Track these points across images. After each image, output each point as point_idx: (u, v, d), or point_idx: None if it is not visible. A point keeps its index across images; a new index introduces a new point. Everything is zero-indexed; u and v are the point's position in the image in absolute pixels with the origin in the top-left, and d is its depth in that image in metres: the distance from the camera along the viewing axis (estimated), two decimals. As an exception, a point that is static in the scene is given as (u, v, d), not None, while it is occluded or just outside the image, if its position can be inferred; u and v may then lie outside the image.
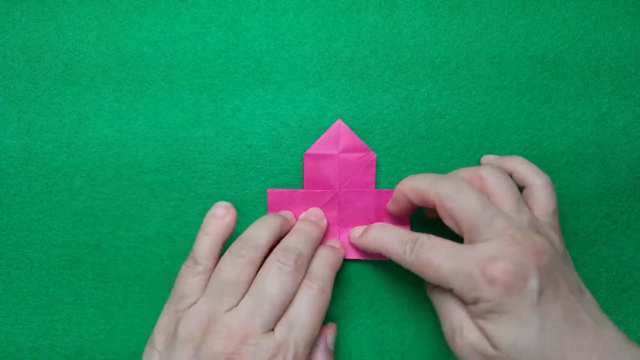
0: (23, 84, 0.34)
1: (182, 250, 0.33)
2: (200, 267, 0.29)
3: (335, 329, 0.32)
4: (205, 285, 0.28)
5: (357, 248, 0.33)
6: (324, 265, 0.30)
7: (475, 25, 0.34)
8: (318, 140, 0.33)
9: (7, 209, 0.34)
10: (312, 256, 0.30)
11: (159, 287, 0.33)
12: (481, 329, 0.26)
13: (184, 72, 0.34)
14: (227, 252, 0.29)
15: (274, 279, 0.27)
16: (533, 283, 0.24)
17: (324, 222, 0.33)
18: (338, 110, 0.34)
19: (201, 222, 0.33)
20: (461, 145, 0.34)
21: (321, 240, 0.32)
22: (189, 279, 0.28)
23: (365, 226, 0.33)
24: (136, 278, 0.33)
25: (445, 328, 0.28)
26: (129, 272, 0.33)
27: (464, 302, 0.26)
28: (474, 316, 0.26)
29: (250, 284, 0.28)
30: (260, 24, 0.34)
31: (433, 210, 0.32)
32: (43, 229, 0.34)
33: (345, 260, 0.34)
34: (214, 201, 0.33)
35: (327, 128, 0.34)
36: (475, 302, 0.25)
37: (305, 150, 0.34)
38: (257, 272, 0.28)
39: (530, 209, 0.29)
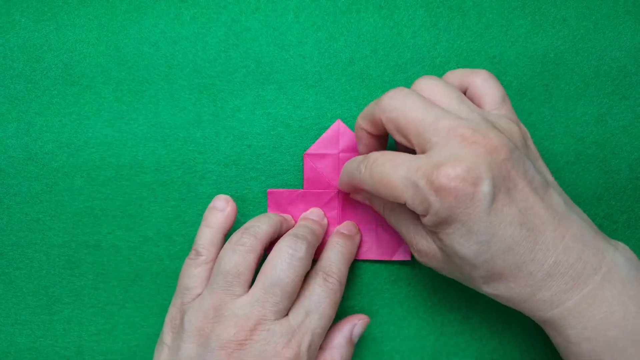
0: (23, 84, 0.34)
1: (182, 250, 0.33)
2: (202, 258, 0.29)
3: (366, 323, 0.31)
4: (209, 277, 0.28)
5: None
6: (337, 257, 0.30)
7: (475, 25, 0.34)
8: (318, 140, 0.33)
9: (7, 209, 0.34)
10: (319, 242, 0.30)
11: (159, 287, 0.33)
12: (433, 240, 0.26)
13: (184, 72, 0.34)
14: (227, 241, 0.28)
15: (285, 264, 0.27)
16: (485, 187, 0.22)
17: (325, 222, 0.33)
18: (338, 110, 0.34)
19: (200, 222, 0.33)
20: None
21: (322, 240, 0.32)
22: (192, 271, 0.28)
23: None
24: (136, 278, 0.33)
25: (407, 243, 0.28)
26: (129, 272, 0.33)
27: (417, 214, 0.25)
28: (427, 229, 0.25)
29: (252, 272, 0.27)
30: (260, 24, 0.34)
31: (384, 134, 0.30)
32: (43, 229, 0.34)
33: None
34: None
35: (327, 128, 0.34)
36: (425, 213, 0.24)
37: (305, 150, 0.34)
38: (258, 262, 0.28)
39: (479, 106, 0.27)
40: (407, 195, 0.24)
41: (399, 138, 0.26)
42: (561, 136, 0.34)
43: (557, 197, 0.24)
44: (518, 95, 0.34)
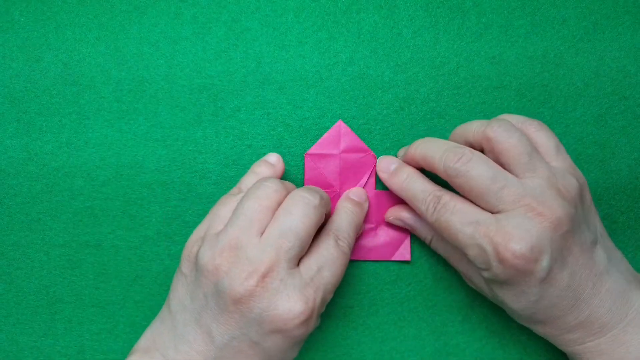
0: (22, 84, 0.34)
1: (182, 249, 0.33)
2: (237, 194, 0.29)
3: None
4: None
5: (354, 250, 0.33)
6: (347, 223, 0.30)
7: (475, 25, 0.34)
8: (319, 140, 0.33)
9: (7, 209, 0.34)
10: (328, 208, 0.30)
11: (159, 287, 0.33)
12: (487, 282, 0.28)
13: (184, 72, 0.34)
14: (255, 182, 0.28)
15: (300, 211, 0.26)
16: (545, 262, 0.24)
17: (366, 204, 0.33)
18: (338, 111, 0.34)
19: (201, 222, 0.33)
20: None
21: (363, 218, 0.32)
22: (230, 202, 0.28)
23: (396, 162, 0.31)
24: (136, 278, 0.33)
25: (457, 269, 0.31)
26: (129, 272, 0.33)
27: (477, 267, 0.27)
28: (483, 276, 0.27)
29: (272, 214, 0.27)
30: (260, 24, 0.34)
31: None
32: (43, 229, 0.34)
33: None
34: (214, 201, 0.33)
35: (327, 128, 0.34)
36: (485, 270, 0.26)
37: (305, 150, 0.34)
38: (279, 205, 0.27)
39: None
40: (471, 252, 0.26)
41: (462, 193, 0.27)
42: (561, 136, 0.34)
43: (601, 254, 0.27)
44: (518, 96, 0.34)
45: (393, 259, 0.33)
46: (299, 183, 0.34)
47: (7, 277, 0.34)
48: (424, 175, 0.30)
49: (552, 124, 0.34)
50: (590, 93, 0.34)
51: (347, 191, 0.33)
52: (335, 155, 0.33)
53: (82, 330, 0.33)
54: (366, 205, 0.32)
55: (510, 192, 0.25)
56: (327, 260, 0.27)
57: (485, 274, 0.26)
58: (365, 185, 0.33)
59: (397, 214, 0.32)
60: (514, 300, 0.26)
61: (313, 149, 0.33)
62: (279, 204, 0.27)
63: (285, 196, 0.27)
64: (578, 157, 0.34)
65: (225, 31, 0.34)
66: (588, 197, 0.28)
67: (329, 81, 0.34)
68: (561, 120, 0.34)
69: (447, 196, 0.27)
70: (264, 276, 0.25)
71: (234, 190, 0.30)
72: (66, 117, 0.34)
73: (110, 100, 0.34)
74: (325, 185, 0.33)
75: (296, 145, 0.34)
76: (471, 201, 0.27)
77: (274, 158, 0.31)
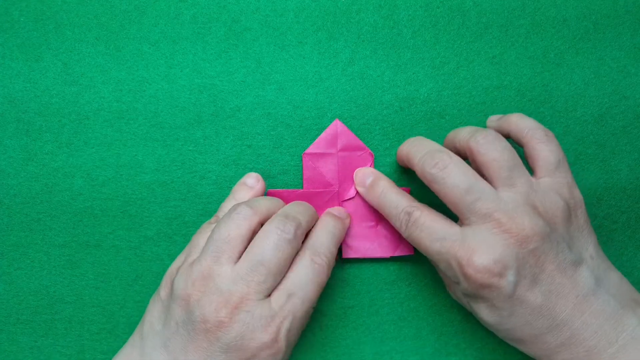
0: (22, 84, 0.34)
1: (182, 250, 0.33)
2: (214, 221, 0.29)
3: None
4: None
5: (356, 249, 0.33)
6: (327, 237, 0.29)
7: (475, 25, 0.34)
8: (316, 139, 0.33)
9: (7, 209, 0.34)
10: (310, 227, 0.29)
11: (158, 287, 0.33)
12: (465, 297, 0.28)
13: (184, 72, 0.34)
14: (227, 212, 0.28)
15: (272, 244, 0.26)
16: (509, 277, 0.24)
17: (347, 220, 0.33)
18: (338, 111, 0.34)
19: (201, 222, 0.33)
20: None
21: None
22: (208, 230, 0.29)
23: (372, 174, 0.32)
24: (136, 278, 0.33)
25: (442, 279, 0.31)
26: (129, 272, 0.33)
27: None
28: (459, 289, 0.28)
29: (244, 241, 0.27)
30: (260, 24, 0.34)
31: None
32: (43, 229, 0.34)
33: (345, 260, 0.34)
34: (214, 201, 0.33)
35: (327, 128, 0.34)
36: (457, 283, 0.27)
37: (305, 150, 0.34)
38: (251, 233, 0.27)
39: (533, 170, 0.28)
40: (441, 266, 0.27)
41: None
42: (561, 136, 0.34)
43: (586, 275, 0.26)
44: (518, 95, 0.34)
45: (396, 254, 0.33)
46: (299, 183, 0.34)
47: (7, 277, 0.34)
48: (398, 189, 0.30)
49: (552, 124, 0.34)
50: (591, 93, 0.34)
51: (329, 208, 0.33)
52: (333, 154, 0.33)
53: (82, 330, 0.33)
54: (347, 222, 0.32)
55: (483, 205, 0.25)
56: (299, 286, 0.27)
57: (458, 287, 0.27)
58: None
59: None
60: (488, 314, 0.26)
61: (311, 149, 0.33)
62: (251, 230, 0.27)
63: (258, 221, 0.27)
64: (578, 157, 0.34)
65: (225, 31, 0.34)
66: (581, 217, 0.27)
67: (329, 81, 0.34)
68: (561, 120, 0.34)
69: (417, 212, 0.28)
70: (235, 307, 0.25)
71: (213, 219, 0.30)
72: (66, 117, 0.34)
73: (110, 100, 0.34)
74: (324, 184, 0.33)
75: (296, 145, 0.34)
76: (447, 207, 0.27)
77: (252, 180, 0.32)
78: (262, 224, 0.28)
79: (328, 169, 0.33)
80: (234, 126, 0.34)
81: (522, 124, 0.29)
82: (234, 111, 0.34)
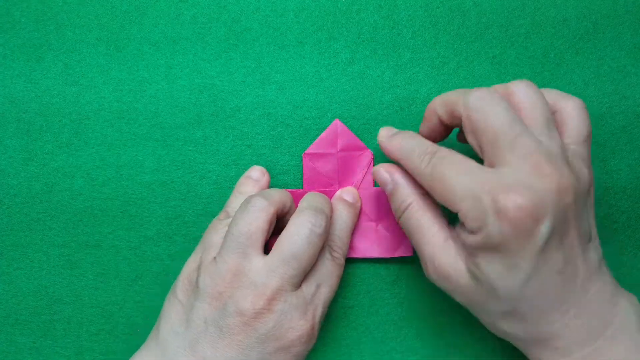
0: (23, 84, 0.34)
1: (182, 250, 0.33)
2: (224, 219, 0.30)
3: None
4: None
5: (356, 248, 0.33)
6: (342, 230, 0.31)
7: (475, 25, 0.34)
8: (316, 140, 0.33)
9: (7, 209, 0.34)
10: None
11: (159, 287, 0.33)
12: (466, 261, 0.24)
13: (184, 72, 0.34)
14: (240, 204, 0.28)
15: (305, 238, 0.26)
16: (545, 228, 0.22)
17: (358, 204, 0.33)
18: (338, 111, 0.34)
19: (201, 222, 0.33)
20: (461, 145, 0.34)
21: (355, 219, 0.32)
22: (220, 228, 0.29)
23: (397, 130, 0.29)
24: (136, 278, 0.33)
25: (422, 253, 0.26)
26: (129, 272, 0.33)
27: (467, 230, 0.23)
28: (466, 248, 0.24)
29: (264, 233, 0.27)
30: (260, 24, 0.34)
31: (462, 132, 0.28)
32: (43, 229, 0.34)
33: (345, 260, 0.34)
34: (214, 201, 0.33)
35: (327, 128, 0.34)
36: (476, 231, 0.23)
37: (305, 151, 0.34)
38: (270, 224, 0.27)
39: (561, 134, 0.26)
40: (464, 205, 0.23)
41: (471, 139, 0.25)
42: (561, 136, 0.34)
43: (593, 253, 0.24)
44: (518, 95, 0.34)
45: (396, 254, 0.33)
46: (299, 183, 0.34)
47: (6, 277, 0.34)
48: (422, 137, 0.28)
49: (552, 124, 0.34)
50: (591, 93, 0.34)
51: (340, 190, 0.33)
52: (333, 154, 0.33)
53: (81, 331, 0.33)
54: (359, 205, 0.33)
55: (526, 142, 0.23)
56: (324, 276, 0.28)
57: (476, 237, 0.23)
58: (363, 182, 0.33)
59: (390, 168, 0.29)
60: (502, 277, 0.23)
61: (311, 149, 0.33)
62: (269, 221, 0.27)
63: (274, 212, 0.28)
64: (578, 157, 0.34)
65: (225, 31, 0.34)
66: (592, 196, 0.26)
67: (329, 81, 0.34)
68: (561, 120, 0.34)
69: (444, 150, 0.25)
70: (271, 299, 0.26)
71: (222, 214, 0.30)
72: (66, 117, 0.34)
73: (110, 101, 0.34)
74: (325, 184, 0.33)
75: (296, 145, 0.34)
76: (480, 154, 0.25)
77: (257, 173, 0.32)
78: (277, 215, 0.28)
79: (328, 169, 0.33)
80: (234, 126, 0.34)
81: (551, 93, 0.27)
82: (234, 111, 0.34)
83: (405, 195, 0.27)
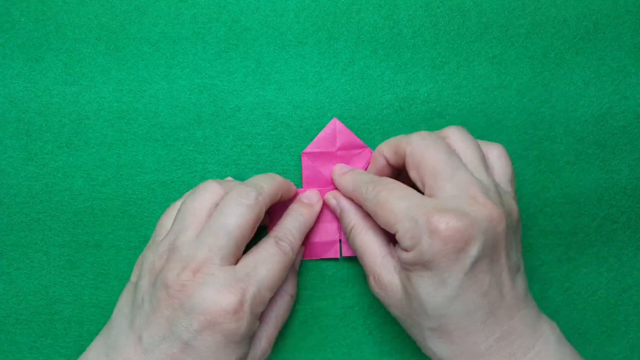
0: (23, 84, 0.34)
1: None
2: (179, 203, 0.30)
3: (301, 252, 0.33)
4: None
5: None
6: (292, 223, 0.30)
7: (475, 25, 0.34)
8: (315, 139, 0.33)
9: (7, 209, 0.34)
10: (277, 199, 0.30)
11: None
12: (401, 277, 0.26)
13: (184, 72, 0.34)
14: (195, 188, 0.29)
15: (233, 210, 0.26)
16: (474, 250, 0.23)
17: (317, 205, 0.33)
18: (338, 111, 0.34)
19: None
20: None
21: (313, 220, 0.32)
22: (171, 212, 0.29)
23: (350, 168, 0.32)
24: (136, 278, 0.33)
25: (366, 268, 0.29)
26: (129, 272, 0.33)
27: (390, 247, 0.27)
28: (402, 264, 0.26)
29: (208, 214, 0.27)
30: (260, 24, 0.34)
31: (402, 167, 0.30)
32: (43, 229, 0.34)
33: (345, 260, 0.34)
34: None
35: (327, 128, 0.34)
36: (410, 249, 0.24)
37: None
38: (215, 204, 0.28)
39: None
40: (401, 226, 0.25)
41: (413, 174, 0.27)
42: (561, 136, 0.34)
43: (521, 282, 0.26)
44: (518, 95, 0.34)
45: None
46: (299, 183, 0.34)
47: (6, 277, 0.34)
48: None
49: (552, 124, 0.34)
50: (591, 93, 0.34)
51: (300, 194, 0.33)
52: (332, 153, 0.33)
53: (82, 330, 0.33)
54: (318, 206, 0.32)
55: (463, 176, 0.25)
56: (265, 258, 0.27)
57: (409, 254, 0.25)
58: None
59: (336, 194, 0.32)
60: (430, 293, 0.24)
61: (309, 148, 0.33)
62: (216, 204, 0.27)
63: (224, 194, 0.28)
64: (578, 156, 0.34)
65: (225, 31, 0.34)
66: (519, 232, 0.28)
67: (329, 81, 0.34)
68: (561, 120, 0.34)
69: (387, 179, 0.28)
70: (196, 271, 0.25)
71: (178, 202, 0.30)
72: (66, 117, 0.34)
73: (110, 100, 0.34)
74: (324, 183, 0.33)
75: (296, 145, 0.34)
76: (420, 188, 0.27)
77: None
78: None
79: (327, 167, 0.33)
80: (234, 126, 0.34)
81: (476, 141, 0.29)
82: (234, 111, 0.34)
83: (349, 218, 0.31)
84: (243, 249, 0.27)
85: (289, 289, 0.32)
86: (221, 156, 0.34)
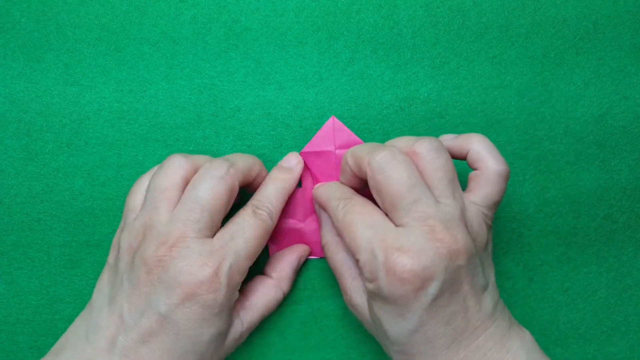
0: (23, 84, 0.34)
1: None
2: (144, 180, 0.29)
3: (309, 252, 0.33)
4: None
5: None
6: (271, 190, 0.30)
7: (475, 25, 0.34)
8: (313, 138, 0.33)
9: (8, 209, 0.34)
10: (251, 176, 0.30)
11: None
12: (367, 299, 0.27)
13: (184, 72, 0.34)
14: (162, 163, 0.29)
15: (204, 183, 0.26)
16: (432, 289, 0.23)
17: (297, 169, 0.32)
18: (338, 111, 0.34)
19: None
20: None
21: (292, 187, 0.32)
22: (138, 191, 0.29)
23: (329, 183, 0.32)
24: (137, 278, 0.34)
25: (339, 285, 0.29)
26: (129, 272, 0.34)
27: (364, 276, 0.25)
28: (366, 290, 0.26)
29: (179, 189, 0.27)
30: (260, 24, 0.34)
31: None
32: (44, 229, 0.34)
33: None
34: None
35: (327, 128, 0.34)
36: (371, 281, 0.25)
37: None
38: (185, 181, 0.28)
39: (468, 191, 0.27)
40: (362, 257, 0.25)
41: (375, 197, 0.26)
42: (561, 136, 0.34)
43: (488, 300, 0.26)
44: (518, 96, 0.34)
45: None
46: (299, 183, 0.34)
47: (7, 277, 0.34)
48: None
49: (552, 124, 0.34)
50: (591, 93, 0.34)
51: (282, 160, 0.33)
52: (330, 152, 0.33)
53: (83, 330, 0.33)
54: (298, 169, 0.32)
55: (422, 208, 0.24)
56: (242, 228, 0.27)
57: (370, 285, 0.25)
58: None
59: (318, 205, 0.32)
60: (391, 324, 0.25)
61: (307, 147, 0.33)
62: (185, 178, 0.27)
63: (191, 169, 0.28)
64: (578, 156, 0.34)
65: (225, 31, 0.34)
66: (490, 248, 0.27)
67: (329, 81, 0.34)
68: (561, 120, 0.34)
69: (359, 199, 0.27)
70: (173, 245, 0.25)
71: (144, 176, 0.30)
72: (67, 117, 0.34)
73: (110, 101, 0.34)
74: (323, 182, 0.33)
75: (296, 145, 0.34)
76: (382, 209, 0.26)
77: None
78: (240, 182, 0.29)
79: (326, 166, 0.33)
80: (234, 126, 0.34)
81: (479, 147, 0.27)
82: (234, 111, 0.34)
83: (323, 233, 0.31)
84: (220, 222, 0.27)
85: (284, 285, 0.32)
86: (221, 156, 0.34)
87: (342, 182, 0.31)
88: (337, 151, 0.33)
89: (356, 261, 0.26)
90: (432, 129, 0.34)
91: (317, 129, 0.34)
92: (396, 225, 0.25)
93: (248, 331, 0.30)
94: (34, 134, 0.34)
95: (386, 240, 0.24)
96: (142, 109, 0.34)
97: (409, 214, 0.24)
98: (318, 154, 0.33)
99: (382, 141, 0.34)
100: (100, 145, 0.34)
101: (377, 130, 0.34)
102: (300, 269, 0.34)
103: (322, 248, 0.31)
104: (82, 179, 0.34)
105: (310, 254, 0.34)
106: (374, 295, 0.25)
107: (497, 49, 0.34)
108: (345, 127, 0.33)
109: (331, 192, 0.29)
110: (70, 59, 0.34)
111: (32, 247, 0.34)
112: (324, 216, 0.32)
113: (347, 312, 0.34)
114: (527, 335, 0.26)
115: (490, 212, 0.27)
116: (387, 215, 0.26)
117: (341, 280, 0.29)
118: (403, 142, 0.27)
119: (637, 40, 0.34)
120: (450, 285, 0.24)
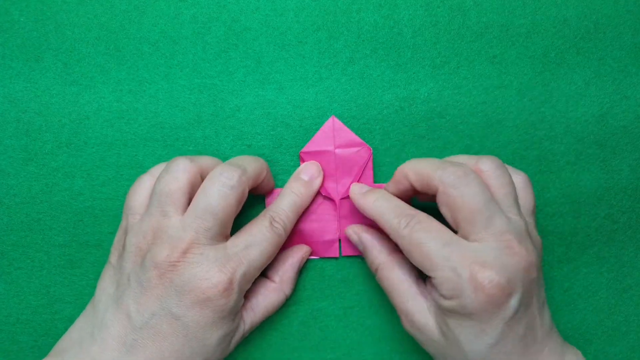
0: (22, 84, 0.34)
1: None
2: (145, 181, 0.29)
3: (310, 253, 0.33)
4: None
5: (356, 246, 0.33)
6: (287, 203, 0.31)
7: (475, 25, 0.34)
8: (313, 137, 0.33)
9: (7, 209, 0.34)
10: (259, 180, 0.30)
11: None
12: (437, 319, 0.26)
13: (183, 72, 0.34)
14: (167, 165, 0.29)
15: (216, 191, 0.27)
16: (514, 301, 0.24)
17: (316, 182, 0.33)
18: (338, 110, 0.34)
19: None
20: (461, 145, 0.34)
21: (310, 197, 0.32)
22: (140, 191, 0.29)
23: (369, 187, 0.31)
24: (136, 278, 0.33)
25: (396, 308, 0.29)
26: (129, 272, 0.33)
27: (440, 294, 0.25)
28: (439, 308, 0.26)
29: (185, 193, 0.27)
30: (260, 24, 0.34)
31: (429, 194, 0.29)
32: (44, 229, 0.34)
33: (345, 260, 0.34)
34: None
35: (327, 128, 0.34)
36: (450, 297, 0.25)
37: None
38: (192, 185, 0.28)
39: None
40: (440, 274, 0.25)
41: (445, 211, 0.26)
42: (561, 136, 0.34)
43: (547, 314, 0.27)
44: (518, 95, 0.34)
45: None
46: (299, 183, 0.34)
47: (7, 277, 0.34)
48: (395, 197, 0.30)
49: (552, 124, 0.34)
50: (591, 92, 0.34)
51: (299, 168, 0.33)
52: (330, 152, 0.33)
53: (83, 330, 0.33)
54: (317, 182, 0.32)
55: (498, 222, 0.25)
56: (258, 240, 0.28)
57: (448, 302, 0.25)
58: (361, 178, 0.33)
59: (357, 229, 0.32)
60: (471, 341, 0.25)
61: (307, 147, 0.33)
62: (190, 182, 0.27)
63: (197, 173, 0.28)
64: (578, 157, 0.34)
65: (225, 31, 0.34)
66: (541, 262, 0.28)
67: (329, 81, 0.34)
68: (562, 120, 0.34)
69: (422, 215, 0.27)
70: (185, 251, 0.26)
71: (145, 176, 0.30)
72: (66, 116, 0.34)
73: (110, 100, 0.34)
74: (323, 182, 0.33)
75: (296, 145, 0.34)
76: (452, 224, 0.26)
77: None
78: (202, 177, 0.28)
79: (326, 166, 0.33)
80: (233, 126, 0.34)
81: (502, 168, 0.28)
82: (234, 111, 0.34)
83: (374, 256, 0.30)
84: (230, 227, 0.28)
85: (286, 288, 0.32)
86: (221, 156, 0.34)
87: (390, 190, 0.30)
88: (337, 151, 0.33)
89: (429, 279, 0.26)
90: (432, 129, 0.34)
91: (317, 129, 0.34)
92: (469, 241, 0.25)
93: (249, 331, 0.30)
94: (33, 134, 0.34)
95: (467, 257, 0.24)
96: (141, 108, 0.34)
97: (486, 228, 0.25)
98: (318, 153, 0.33)
99: (382, 141, 0.34)
100: (99, 145, 0.34)
101: (377, 130, 0.34)
102: (301, 270, 0.34)
103: (374, 271, 0.30)
104: (81, 179, 0.34)
105: (310, 254, 0.34)
106: (451, 313, 0.25)
107: (498, 48, 0.34)
108: (345, 127, 0.33)
109: (386, 206, 0.28)
110: (69, 59, 0.34)
111: (32, 247, 0.34)
112: (367, 240, 0.31)
113: (347, 312, 0.34)
114: (579, 353, 0.27)
115: (533, 220, 0.28)
116: (454, 230, 0.26)
117: (398, 300, 0.28)
118: (465, 159, 0.28)
119: (638, 40, 0.34)
120: (526, 298, 0.25)
